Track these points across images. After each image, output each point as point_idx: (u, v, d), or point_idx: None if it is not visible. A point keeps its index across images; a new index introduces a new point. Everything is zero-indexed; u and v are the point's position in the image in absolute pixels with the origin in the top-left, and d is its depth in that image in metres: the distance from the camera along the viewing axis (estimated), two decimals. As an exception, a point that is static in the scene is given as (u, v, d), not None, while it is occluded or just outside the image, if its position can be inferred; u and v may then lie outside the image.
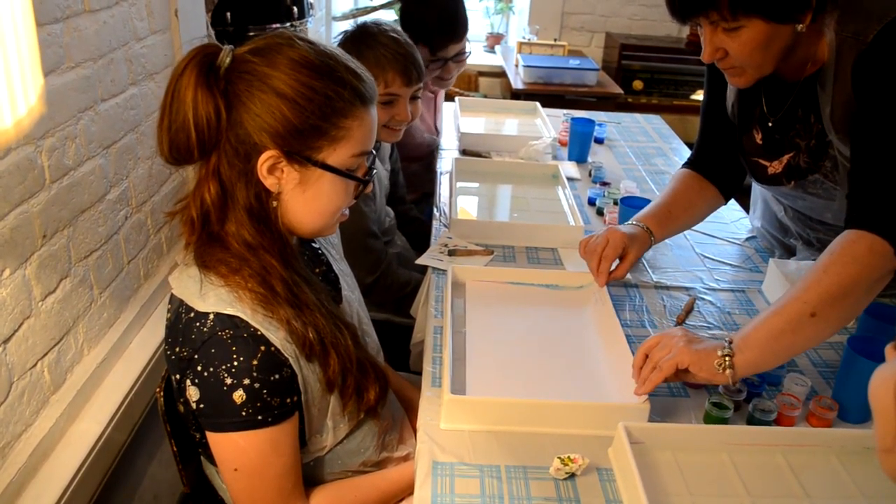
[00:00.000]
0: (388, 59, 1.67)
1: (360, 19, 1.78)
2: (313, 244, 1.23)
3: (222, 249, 1.00)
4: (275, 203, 1.02)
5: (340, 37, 1.75)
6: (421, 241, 1.86)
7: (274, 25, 2.56)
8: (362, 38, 1.70)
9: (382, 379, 1.14)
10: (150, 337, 1.59)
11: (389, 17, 4.46)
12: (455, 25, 2.20)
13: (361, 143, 1.03)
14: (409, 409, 1.34)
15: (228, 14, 2.36)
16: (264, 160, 0.97)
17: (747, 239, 1.84)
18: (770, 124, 1.43)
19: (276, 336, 0.97)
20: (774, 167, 1.47)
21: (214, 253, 1.00)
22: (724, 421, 1.15)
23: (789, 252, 1.75)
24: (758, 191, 1.85)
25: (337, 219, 1.09)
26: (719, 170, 1.59)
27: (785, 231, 1.73)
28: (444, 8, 2.17)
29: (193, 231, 1.01)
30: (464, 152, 2.30)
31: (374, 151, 1.08)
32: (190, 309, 0.98)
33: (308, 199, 1.03)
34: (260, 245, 1.01)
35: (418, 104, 1.80)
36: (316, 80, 0.97)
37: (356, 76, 1.02)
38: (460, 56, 2.22)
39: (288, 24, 2.60)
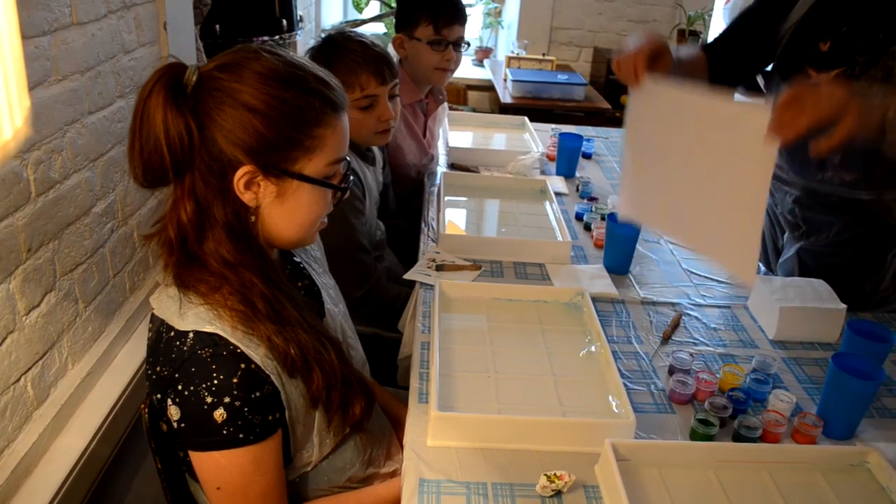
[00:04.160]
0: (359, 63, 1.69)
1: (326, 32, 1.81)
2: (295, 258, 1.23)
3: (201, 268, 0.99)
4: (253, 218, 1.02)
5: (308, 53, 1.77)
6: (409, 255, 1.86)
7: (263, 38, 2.57)
8: (330, 49, 1.72)
9: (368, 393, 1.13)
10: (136, 350, 1.57)
11: (379, 29, 4.48)
12: (459, 6, 2.22)
13: (336, 150, 1.03)
14: (397, 425, 1.34)
15: (217, 27, 2.37)
16: (240, 176, 0.97)
17: (733, 255, 1.85)
18: (844, 29, 1.47)
19: (257, 353, 0.97)
20: (820, 78, 1.50)
21: (193, 272, 0.99)
22: (709, 438, 1.15)
23: (776, 254, 1.77)
24: None
25: (317, 228, 1.09)
26: (724, 64, 1.65)
27: (773, 219, 1.74)
28: None
29: (172, 253, 1.00)
30: (452, 166, 2.31)
31: (347, 158, 1.07)
32: (170, 328, 0.97)
33: (287, 211, 1.02)
34: (239, 262, 1.00)
35: (397, 102, 1.81)
36: (286, 91, 0.97)
37: (325, 84, 1.02)
38: (461, 43, 2.23)
39: (277, 37, 2.61)
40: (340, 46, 1.71)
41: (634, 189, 1.29)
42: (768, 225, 1.80)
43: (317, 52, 1.74)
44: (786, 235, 1.72)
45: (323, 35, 1.80)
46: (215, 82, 0.96)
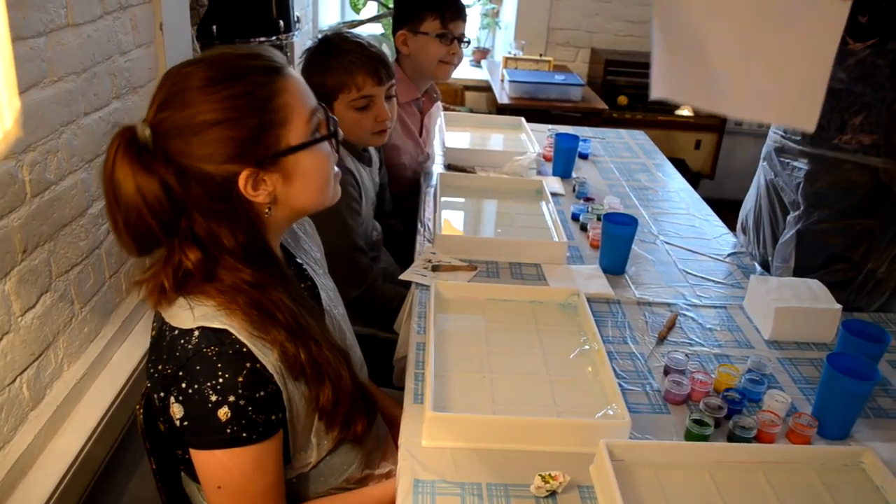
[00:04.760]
0: (356, 63, 1.70)
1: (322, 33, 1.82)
2: (297, 260, 1.23)
3: (217, 283, 0.99)
4: (268, 210, 1.02)
5: (305, 54, 1.77)
6: (406, 256, 1.86)
7: (260, 39, 2.57)
8: (326, 50, 1.73)
9: (372, 410, 1.13)
10: (132, 351, 1.57)
11: (376, 29, 4.48)
12: (461, 2, 2.25)
13: (303, 106, 1.02)
14: (393, 426, 1.34)
15: (214, 27, 2.36)
16: (244, 183, 0.97)
17: (729, 255, 1.85)
18: (884, 3, 1.49)
19: (267, 357, 0.97)
20: (856, 46, 1.51)
21: (203, 290, 0.98)
22: (704, 438, 1.15)
23: (775, 242, 1.77)
24: (760, 167, 1.91)
25: (336, 182, 1.09)
26: None
27: (776, 201, 1.74)
28: None
29: (164, 293, 0.98)
30: (448, 167, 2.31)
31: (321, 105, 1.06)
32: (174, 326, 0.97)
33: (301, 185, 1.02)
34: (262, 283, 1.00)
35: (394, 103, 1.82)
36: (228, 87, 0.95)
37: (255, 57, 1.00)
38: (462, 39, 2.26)
39: (274, 38, 2.61)
40: (336, 47, 1.72)
41: (667, 67, 1.29)
42: (768, 209, 1.80)
43: (313, 53, 1.75)
44: (788, 217, 1.73)
45: (319, 36, 1.80)
46: (168, 122, 0.95)
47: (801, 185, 1.67)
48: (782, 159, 1.75)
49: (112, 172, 0.93)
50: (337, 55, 1.70)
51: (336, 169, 1.09)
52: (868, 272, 1.62)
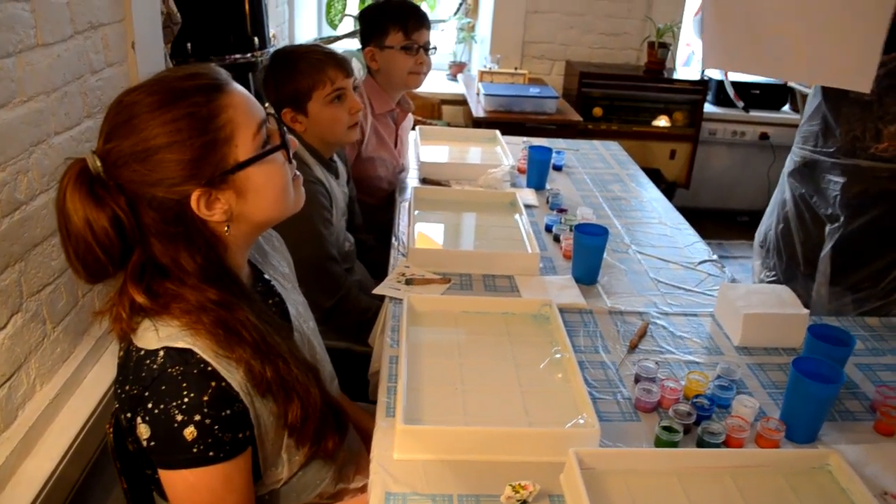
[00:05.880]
0: (322, 60, 1.76)
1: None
2: (265, 276, 1.23)
3: (182, 303, 0.99)
4: (227, 227, 1.02)
5: (263, 73, 1.82)
6: (380, 270, 1.87)
7: (235, 56, 2.58)
8: (287, 57, 1.78)
9: (343, 425, 1.14)
10: (105, 371, 1.57)
11: (353, 45, 4.50)
12: (422, 12, 2.30)
13: (249, 120, 1.01)
14: (367, 440, 1.33)
15: (189, 45, 2.37)
16: (196, 204, 0.97)
17: (700, 263, 1.88)
18: None
19: (232, 375, 0.97)
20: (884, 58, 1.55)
21: (169, 309, 0.98)
22: (673, 444, 1.17)
23: (805, 253, 1.81)
24: (784, 182, 1.96)
25: (296, 189, 1.09)
26: None
27: (809, 211, 1.78)
28: None
29: (124, 327, 0.98)
30: (423, 181, 2.33)
31: (271, 114, 1.06)
32: (140, 347, 0.98)
33: (257, 199, 1.02)
34: (228, 302, 1.00)
35: (360, 94, 1.89)
36: (171, 110, 0.95)
37: (195, 77, 1.00)
38: (428, 47, 2.30)
39: (249, 55, 2.62)
40: (295, 53, 1.78)
41: (718, 37, 1.34)
42: (798, 224, 1.83)
43: (273, 66, 1.78)
44: (826, 229, 1.77)
45: (269, 53, 1.85)
46: (116, 151, 0.95)
47: (839, 198, 1.70)
48: (815, 174, 1.79)
49: (63, 205, 0.93)
50: (301, 58, 1.75)
51: (297, 173, 1.09)
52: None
